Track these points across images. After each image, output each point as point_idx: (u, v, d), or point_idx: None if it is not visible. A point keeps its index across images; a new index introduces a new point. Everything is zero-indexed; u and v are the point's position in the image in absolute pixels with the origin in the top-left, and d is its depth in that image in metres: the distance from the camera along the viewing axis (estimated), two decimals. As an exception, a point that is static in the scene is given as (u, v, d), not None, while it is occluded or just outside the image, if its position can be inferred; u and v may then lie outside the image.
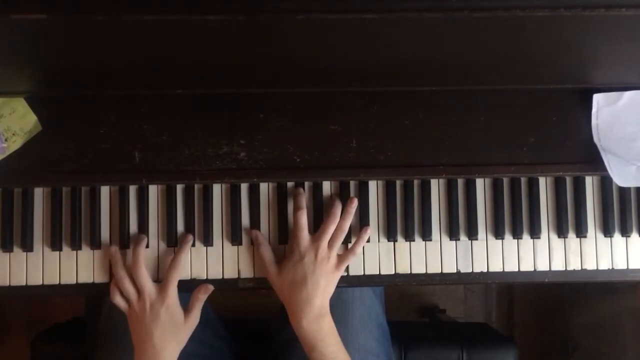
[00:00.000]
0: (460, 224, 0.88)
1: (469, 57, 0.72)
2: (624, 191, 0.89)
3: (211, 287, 0.85)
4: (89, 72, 0.75)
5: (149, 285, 0.82)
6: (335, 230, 0.84)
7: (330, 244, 0.83)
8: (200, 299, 0.84)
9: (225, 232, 0.87)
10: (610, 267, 0.89)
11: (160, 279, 0.85)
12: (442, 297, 1.63)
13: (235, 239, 0.87)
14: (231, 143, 0.85)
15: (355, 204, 0.86)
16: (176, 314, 0.82)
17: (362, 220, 0.87)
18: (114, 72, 0.76)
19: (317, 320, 0.80)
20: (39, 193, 0.87)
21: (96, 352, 0.89)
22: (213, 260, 0.87)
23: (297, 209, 0.85)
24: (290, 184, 0.88)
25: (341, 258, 0.84)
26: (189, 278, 0.86)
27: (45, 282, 0.86)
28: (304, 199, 0.86)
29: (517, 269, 0.88)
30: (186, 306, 0.84)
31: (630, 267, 0.89)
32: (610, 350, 1.26)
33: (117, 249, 0.85)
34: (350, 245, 0.86)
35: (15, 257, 0.86)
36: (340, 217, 0.85)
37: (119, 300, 0.83)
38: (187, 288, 0.85)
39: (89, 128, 0.85)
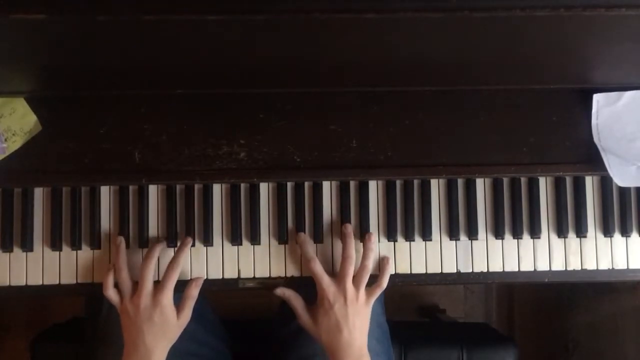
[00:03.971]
0: (460, 224, 0.88)
1: (468, 57, 0.72)
2: (624, 191, 0.89)
3: (202, 279, 0.85)
4: (89, 72, 0.75)
5: (149, 283, 0.81)
6: (360, 269, 0.83)
7: (356, 283, 0.83)
8: (193, 295, 0.84)
9: (225, 232, 0.87)
10: (610, 267, 0.89)
11: (158, 280, 0.84)
12: (442, 297, 1.63)
13: (235, 239, 0.87)
14: (231, 143, 0.85)
15: (374, 239, 0.85)
16: (169, 315, 0.81)
17: (362, 220, 0.87)
18: (114, 72, 0.76)
19: None
20: (39, 193, 0.87)
21: (96, 352, 0.89)
22: (213, 260, 0.87)
23: (307, 261, 0.84)
24: (290, 184, 0.88)
25: (370, 293, 0.84)
26: (189, 278, 0.86)
27: (45, 282, 0.86)
28: (310, 246, 0.86)
29: (517, 269, 0.88)
30: (178, 304, 0.83)
31: (630, 267, 0.89)
32: (610, 350, 1.26)
33: (123, 239, 0.85)
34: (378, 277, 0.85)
35: (15, 257, 0.86)
36: (363, 255, 0.84)
37: (111, 294, 0.82)
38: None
39: (89, 128, 0.85)
